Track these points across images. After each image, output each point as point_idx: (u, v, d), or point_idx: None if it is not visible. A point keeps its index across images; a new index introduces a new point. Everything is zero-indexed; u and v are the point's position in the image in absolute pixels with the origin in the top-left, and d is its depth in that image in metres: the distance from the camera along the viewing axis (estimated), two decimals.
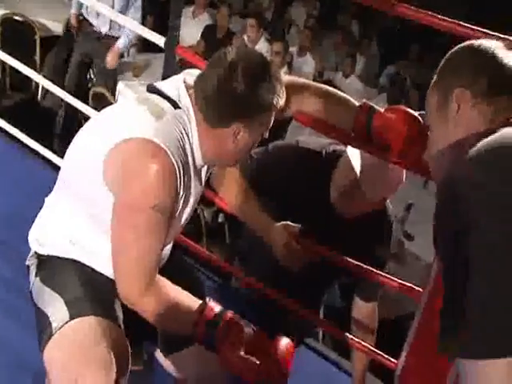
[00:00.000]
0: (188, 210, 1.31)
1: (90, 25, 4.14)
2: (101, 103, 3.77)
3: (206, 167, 1.33)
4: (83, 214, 1.27)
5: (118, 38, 4.13)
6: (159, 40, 2.02)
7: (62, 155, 1.39)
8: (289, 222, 1.58)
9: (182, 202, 1.23)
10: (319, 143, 1.72)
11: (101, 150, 1.18)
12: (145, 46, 4.88)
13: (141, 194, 1.14)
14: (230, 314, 1.25)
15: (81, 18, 4.18)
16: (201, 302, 1.25)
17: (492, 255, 0.81)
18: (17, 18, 4.78)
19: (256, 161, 1.72)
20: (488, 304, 0.81)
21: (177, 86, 1.24)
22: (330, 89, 1.45)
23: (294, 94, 1.37)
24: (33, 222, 1.37)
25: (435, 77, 1.04)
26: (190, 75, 1.27)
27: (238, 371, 1.24)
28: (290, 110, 1.40)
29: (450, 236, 0.86)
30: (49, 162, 2.51)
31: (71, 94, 2.70)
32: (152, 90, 1.25)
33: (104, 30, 4.12)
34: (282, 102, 1.23)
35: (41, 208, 1.37)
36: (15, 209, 2.18)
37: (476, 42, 1.02)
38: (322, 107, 1.41)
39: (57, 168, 2.28)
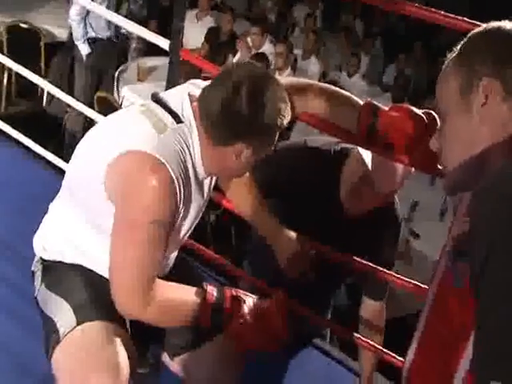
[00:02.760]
0: (188, 223, 1.30)
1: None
2: (105, 107, 3.79)
3: (209, 178, 1.33)
4: (85, 221, 1.27)
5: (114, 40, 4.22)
6: (164, 43, 2.02)
7: (66, 160, 1.40)
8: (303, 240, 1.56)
9: (181, 215, 1.23)
10: (327, 142, 1.72)
11: (103, 159, 1.17)
12: (149, 49, 4.89)
13: (140, 210, 1.14)
14: (228, 291, 1.28)
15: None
16: (199, 289, 1.27)
17: None
18: (23, 25, 4.82)
19: (264, 161, 1.72)
20: None
21: (181, 97, 1.23)
22: (334, 88, 1.44)
23: (298, 95, 1.36)
24: (37, 226, 1.37)
25: (456, 56, 0.90)
26: (196, 86, 1.26)
27: (255, 345, 1.27)
28: (294, 112, 1.40)
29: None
30: (54, 166, 2.53)
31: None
32: (156, 100, 1.24)
33: (106, 34, 4.19)
34: (286, 121, 1.21)
35: (46, 213, 1.37)
36: (21, 213, 2.19)
37: (505, 25, 0.87)
38: (325, 107, 1.39)
39: (62, 172, 2.29)
